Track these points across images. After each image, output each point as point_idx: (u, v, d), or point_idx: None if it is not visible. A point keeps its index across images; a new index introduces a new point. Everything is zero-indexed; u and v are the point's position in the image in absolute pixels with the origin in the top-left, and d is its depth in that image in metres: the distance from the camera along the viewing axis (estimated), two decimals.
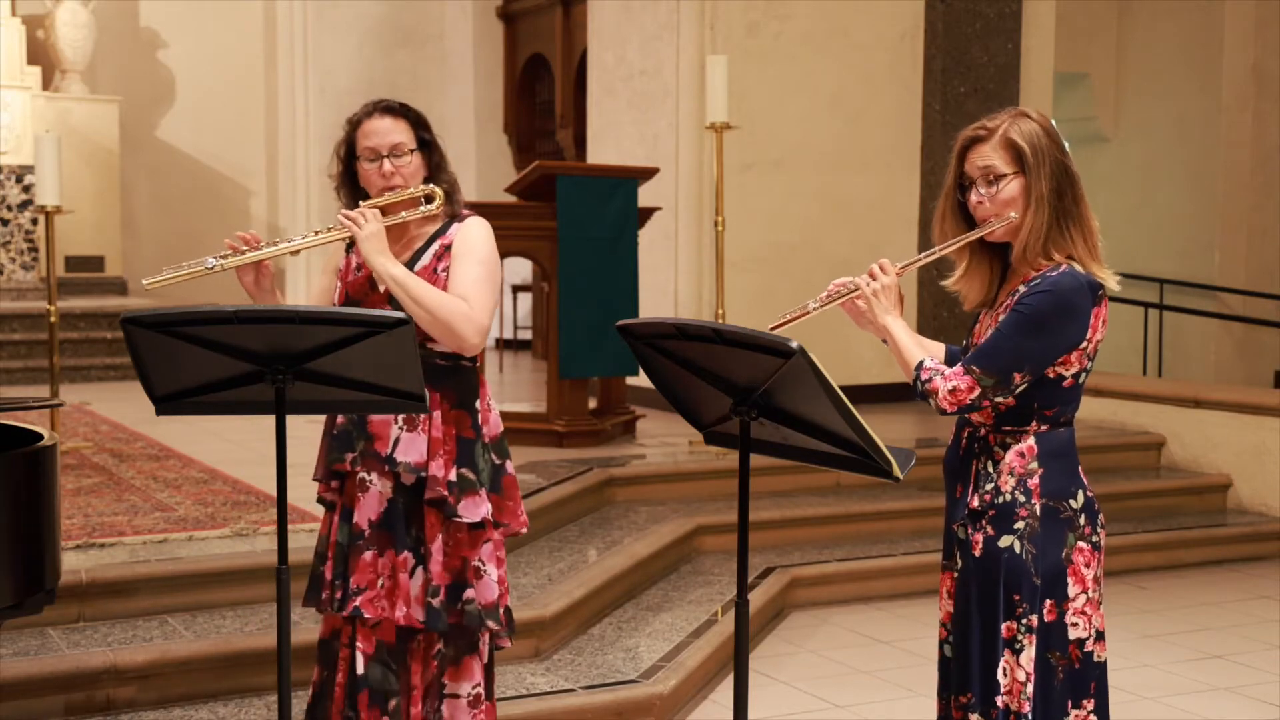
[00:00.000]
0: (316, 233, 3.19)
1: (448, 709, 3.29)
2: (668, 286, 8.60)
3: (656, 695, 4.42)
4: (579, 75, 11.19)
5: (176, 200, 12.65)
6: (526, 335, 11.98)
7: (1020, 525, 2.72)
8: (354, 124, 3.28)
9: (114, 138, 11.93)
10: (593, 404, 7.30)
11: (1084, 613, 2.75)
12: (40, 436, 3.08)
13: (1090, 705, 2.77)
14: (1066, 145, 2.80)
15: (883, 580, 6.16)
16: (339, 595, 3.25)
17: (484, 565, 3.26)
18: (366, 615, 3.21)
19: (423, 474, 3.20)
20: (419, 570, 3.23)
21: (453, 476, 3.22)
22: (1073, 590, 2.74)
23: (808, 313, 2.78)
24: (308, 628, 4.12)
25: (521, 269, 11.35)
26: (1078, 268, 2.71)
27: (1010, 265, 2.84)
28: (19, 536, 2.94)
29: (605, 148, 9.19)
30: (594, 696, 4.38)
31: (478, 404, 3.28)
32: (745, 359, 2.49)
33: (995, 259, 2.86)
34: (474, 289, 3.19)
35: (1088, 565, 2.76)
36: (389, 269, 3.14)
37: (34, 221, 11.22)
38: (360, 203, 3.23)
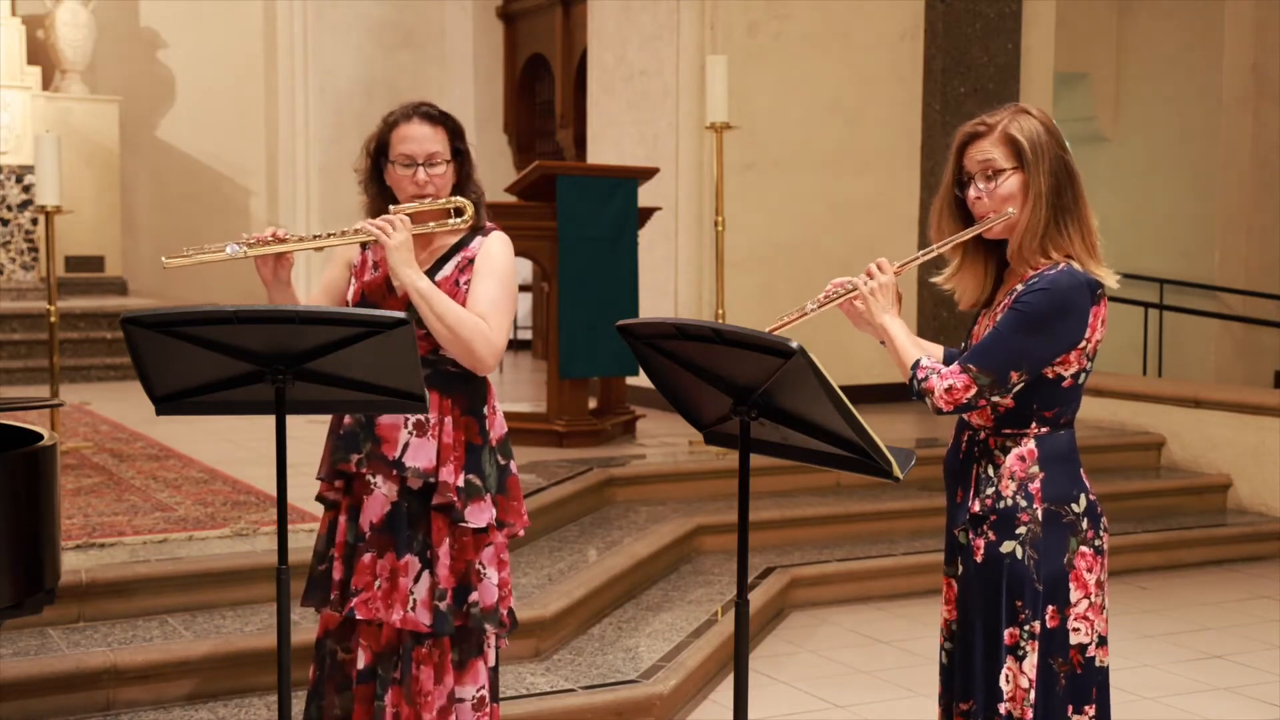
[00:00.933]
0: (344, 232, 3.16)
1: (455, 713, 3.29)
2: (668, 286, 8.60)
3: (656, 695, 4.42)
4: (579, 75, 11.19)
5: (176, 200, 12.65)
6: (526, 335, 11.98)
7: (1022, 530, 2.70)
8: (391, 124, 3.24)
9: (114, 138, 11.93)
10: (593, 404, 7.30)
11: (1086, 618, 2.72)
12: (40, 436, 3.08)
13: (1092, 711, 2.75)
14: (1068, 143, 2.79)
15: (883, 580, 6.16)
16: (347, 596, 3.25)
17: (485, 568, 3.26)
18: (360, 616, 3.21)
19: (431, 479, 3.19)
20: (424, 574, 3.22)
21: (461, 482, 3.21)
22: (1075, 595, 2.71)
23: (806, 314, 2.76)
24: (308, 628, 4.12)
25: (521, 269, 11.34)
26: (1076, 266, 2.69)
27: (1007, 264, 2.81)
28: (19, 536, 2.93)
29: (605, 148, 9.19)
30: (594, 696, 4.38)
31: (485, 409, 3.28)
32: (745, 359, 2.49)
33: (991, 258, 2.84)
34: (492, 310, 3.19)
35: (1090, 570, 2.73)
36: (415, 282, 3.12)
37: (34, 221, 11.22)
38: (390, 206, 3.20)
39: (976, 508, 2.75)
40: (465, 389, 3.24)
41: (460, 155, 3.27)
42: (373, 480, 3.23)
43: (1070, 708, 2.73)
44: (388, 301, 3.22)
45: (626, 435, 7.43)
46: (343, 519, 3.28)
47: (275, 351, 2.81)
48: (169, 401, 2.92)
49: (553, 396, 7.11)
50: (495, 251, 3.25)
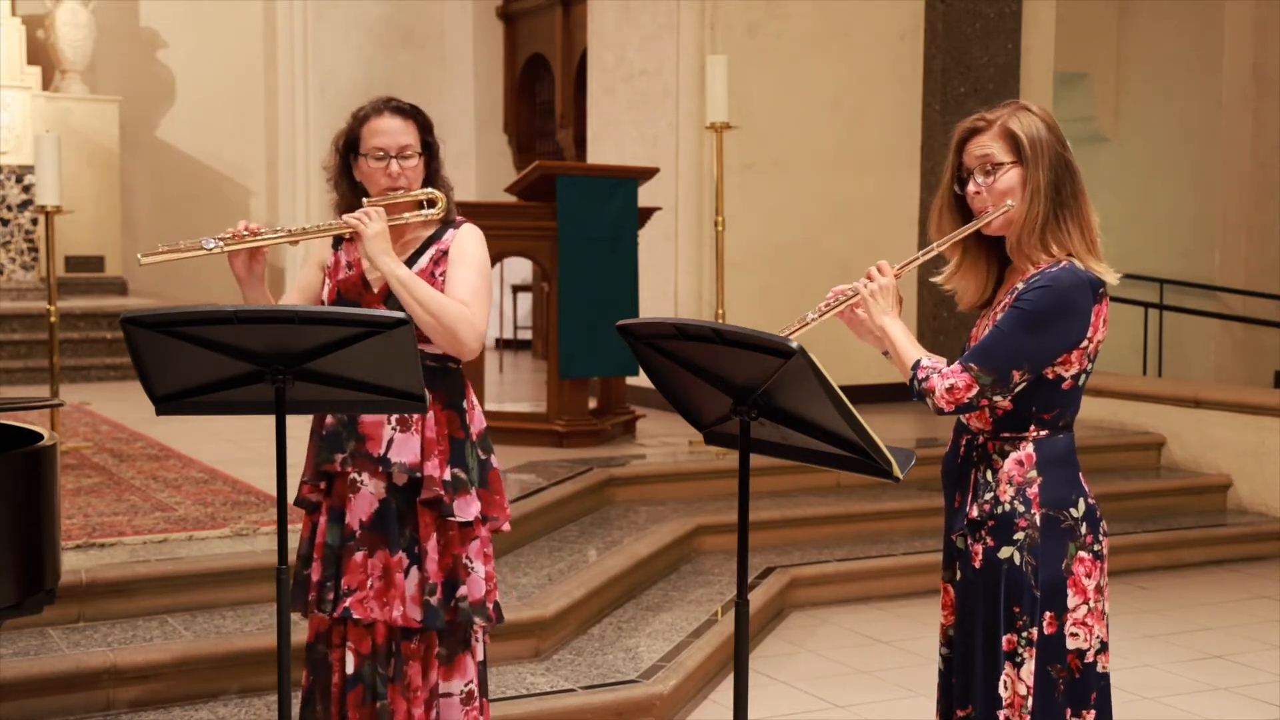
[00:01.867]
0: (320, 226, 3.19)
1: (441, 707, 3.30)
2: (668, 286, 8.60)
3: (656, 695, 4.42)
4: (579, 75, 11.19)
5: (176, 200, 12.65)
6: (526, 335, 11.98)
7: (1020, 536, 2.68)
8: (362, 119, 3.27)
9: (114, 138, 11.93)
10: (593, 404, 7.30)
11: (1085, 624, 2.70)
12: (40, 436, 3.08)
13: (1091, 716, 2.73)
14: (1068, 140, 2.78)
15: (883, 580, 6.16)
16: (330, 596, 3.25)
17: (471, 562, 3.28)
18: (356, 616, 3.21)
19: (417, 474, 3.21)
20: (414, 570, 3.23)
21: (447, 476, 3.23)
22: (1073, 601, 2.70)
23: (807, 324, 2.74)
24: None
25: (521, 269, 11.34)
26: (1078, 264, 2.67)
27: (1008, 264, 2.80)
28: (21, 536, 2.93)
29: (605, 148, 9.19)
30: (594, 696, 4.38)
31: (464, 403, 3.30)
32: (745, 359, 2.48)
33: (992, 258, 2.82)
34: (473, 296, 3.21)
35: (1089, 575, 2.71)
36: (394, 269, 3.14)
37: (34, 221, 11.22)
38: (364, 200, 3.23)
39: (974, 513, 2.73)
40: (444, 383, 3.26)
41: (429, 149, 3.30)
42: (359, 478, 3.24)
43: (1068, 711, 2.72)
44: (364, 299, 3.24)
45: (626, 435, 7.43)
46: (323, 520, 3.29)
47: (275, 351, 2.81)
48: (169, 401, 2.92)
49: (553, 396, 7.11)
50: (468, 242, 3.29)
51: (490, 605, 3.31)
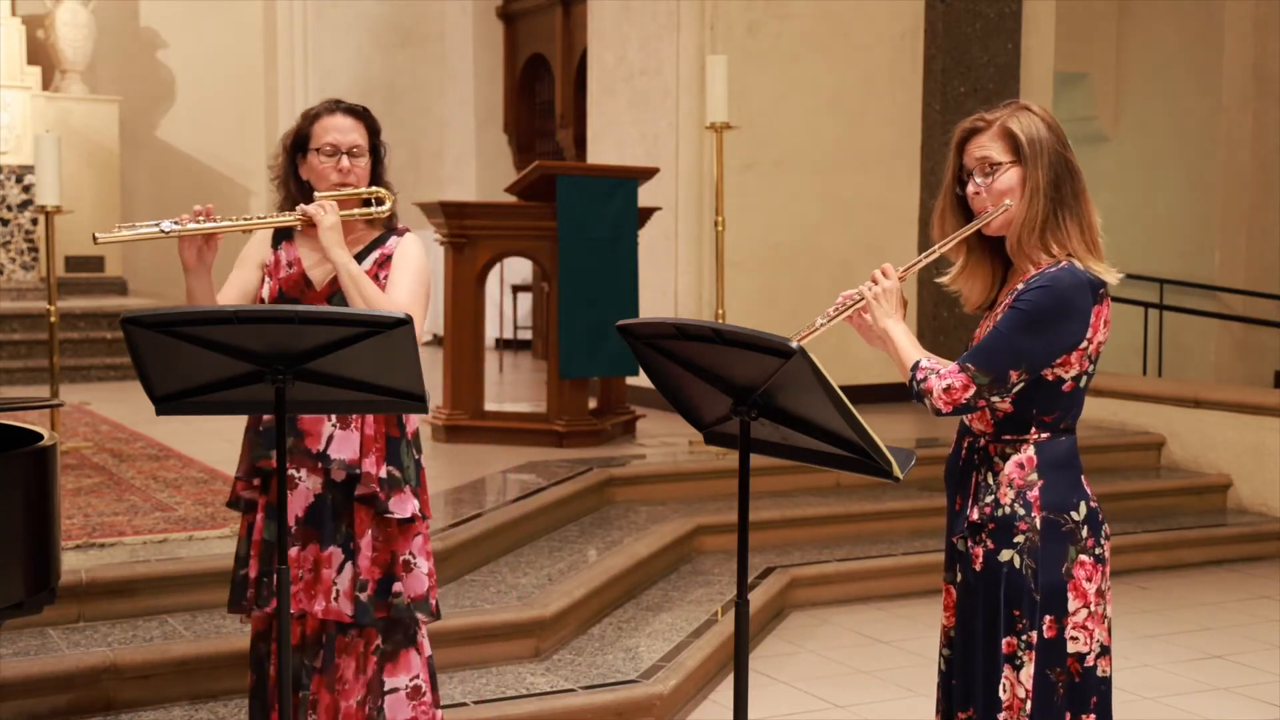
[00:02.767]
0: (274, 216, 3.26)
1: (387, 703, 3.34)
2: (668, 286, 8.60)
3: (656, 695, 4.42)
4: (579, 75, 11.19)
5: (176, 200, 12.58)
6: (526, 335, 11.98)
7: (1020, 539, 2.68)
8: (313, 118, 3.36)
9: (114, 138, 11.93)
10: (593, 404, 7.30)
11: (1085, 627, 2.70)
12: (40, 436, 3.08)
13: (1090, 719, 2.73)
14: (1069, 140, 2.77)
15: (883, 580, 6.16)
16: (265, 593, 3.29)
17: (415, 558, 3.33)
18: None
19: (355, 470, 3.25)
20: (347, 565, 3.28)
21: (384, 473, 3.28)
22: (1073, 605, 2.69)
23: (816, 329, 2.72)
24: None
25: (521, 269, 11.34)
26: (1078, 264, 2.67)
27: (1012, 266, 2.80)
28: (30, 534, 2.94)
29: (605, 148, 9.19)
30: (594, 696, 4.38)
31: None
32: (745, 359, 2.48)
33: (996, 259, 2.82)
34: (411, 302, 3.28)
35: (1089, 579, 2.70)
36: (348, 264, 3.22)
37: (34, 221, 11.22)
38: (315, 194, 3.28)
39: (975, 515, 2.73)
40: None
41: (375, 153, 3.38)
42: (296, 474, 3.28)
43: (1068, 715, 2.71)
44: (306, 296, 3.30)
45: (626, 435, 7.43)
46: (259, 517, 3.33)
47: (275, 351, 2.81)
48: (169, 401, 2.92)
49: (553, 396, 7.11)
50: (411, 250, 3.36)
51: (434, 601, 3.37)
